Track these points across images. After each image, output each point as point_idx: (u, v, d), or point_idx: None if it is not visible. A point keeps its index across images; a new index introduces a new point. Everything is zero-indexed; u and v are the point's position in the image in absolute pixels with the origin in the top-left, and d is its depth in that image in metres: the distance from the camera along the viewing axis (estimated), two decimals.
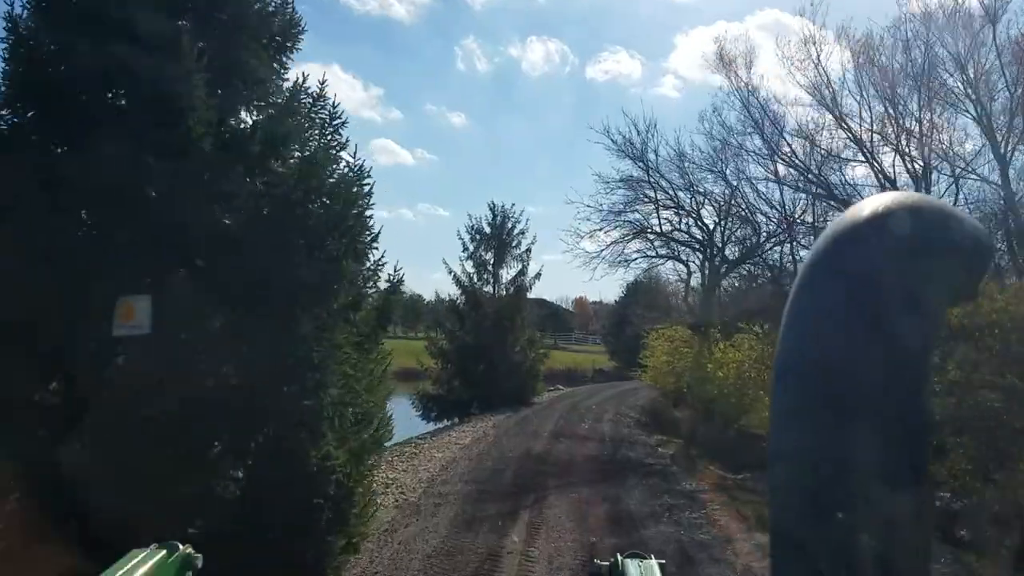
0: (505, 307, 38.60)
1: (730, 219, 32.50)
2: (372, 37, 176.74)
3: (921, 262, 0.97)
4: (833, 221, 1.01)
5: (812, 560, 0.93)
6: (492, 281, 38.76)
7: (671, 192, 32.76)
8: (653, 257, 35.60)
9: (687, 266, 35.67)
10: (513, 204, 38.58)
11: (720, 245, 33.26)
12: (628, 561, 3.42)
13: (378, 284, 11.03)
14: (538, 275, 38.90)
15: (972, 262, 1.04)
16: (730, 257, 33.02)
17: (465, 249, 38.35)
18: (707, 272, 33.67)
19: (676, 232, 33.94)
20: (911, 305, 0.95)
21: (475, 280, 38.45)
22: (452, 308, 38.22)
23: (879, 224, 0.96)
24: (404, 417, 39.36)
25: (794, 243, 29.60)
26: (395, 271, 11.52)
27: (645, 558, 3.48)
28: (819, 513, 0.93)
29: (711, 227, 33.31)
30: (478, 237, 38.59)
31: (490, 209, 38.82)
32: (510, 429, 28.52)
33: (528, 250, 38.92)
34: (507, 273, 38.98)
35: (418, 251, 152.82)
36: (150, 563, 3.08)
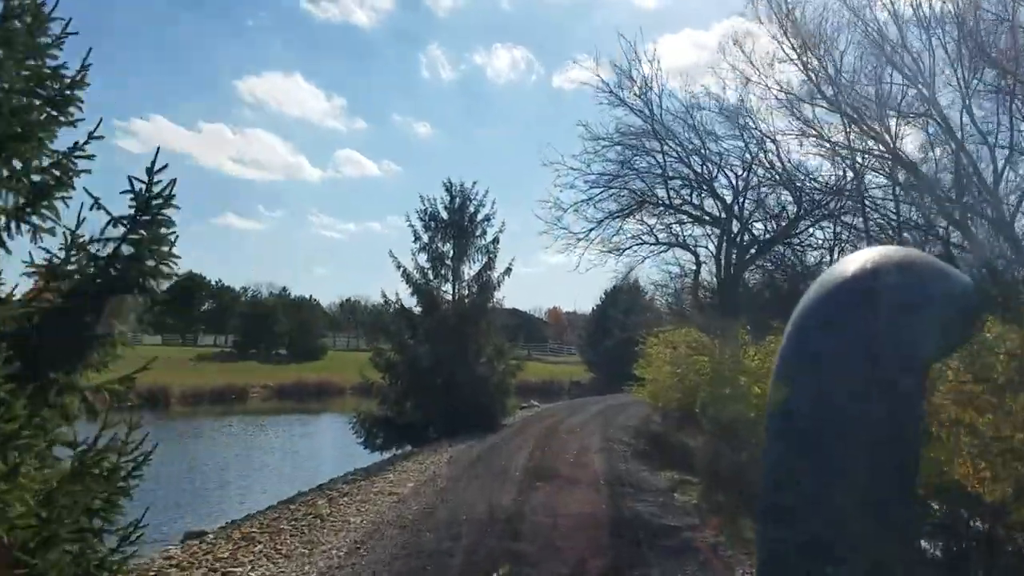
0: (467, 309, 31.17)
1: (751, 192, 25.26)
2: (333, 45, 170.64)
3: (910, 317, 1.02)
4: (822, 275, 1.07)
5: None
6: (452, 278, 31.30)
7: (681, 153, 25.42)
8: (652, 244, 28.23)
9: (695, 254, 28.33)
10: (475, 183, 30.91)
11: (743, 222, 25.99)
12: None
13: None
14: (508, 270, 31.42)
15: (960, 315, 1.09)
16: (756, 238, 25.65)
17: (417, 239, 30.90)
18: (725, 258, 26.21)
19: (686, 206, 26.57)
20: (901, 359, 0.99)
21: (430, 277, 31.00)
22: (401, 312, 30.66)
23: (866, 280, 1.01)
24: (344, 445, 31.92)
25: (838, 220, 22.39)
26: None
27: None
28: (812, 564, 0.95)
29: (728, 201, 26.05)
30: (433, 224, 31.13)
31: (446, 190, 31.40)
32: (470, 466, 21.09)
33: (495, 240, 31.52)
34: (470, 268, 31.56)
35: (388, 265, 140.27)
36: None
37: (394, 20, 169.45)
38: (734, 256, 25.53)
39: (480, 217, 31.44)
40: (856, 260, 1.08)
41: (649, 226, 27.88)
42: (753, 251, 24.91)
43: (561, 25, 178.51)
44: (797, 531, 0.99)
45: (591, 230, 26.72)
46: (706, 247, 27.96)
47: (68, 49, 5.30)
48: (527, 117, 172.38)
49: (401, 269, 30.32)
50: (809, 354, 1.07)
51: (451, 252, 31.27)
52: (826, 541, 0.96)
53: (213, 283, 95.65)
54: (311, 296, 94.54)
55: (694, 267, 28.32)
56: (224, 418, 55.99)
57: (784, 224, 23.93)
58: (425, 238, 30.95)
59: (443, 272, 31.03)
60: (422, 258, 30.78)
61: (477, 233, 31.41)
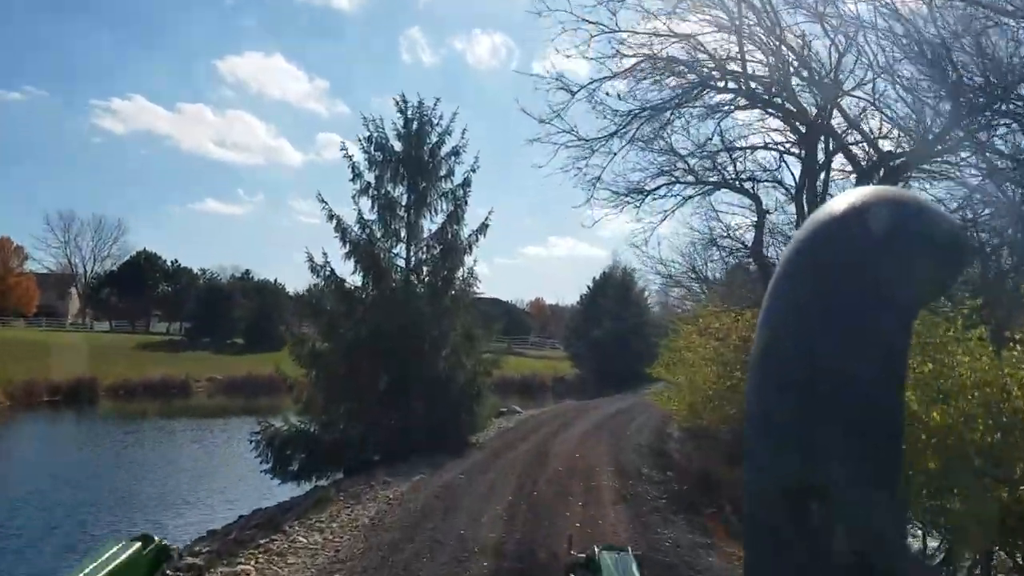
0: (427, 280, 21.72)
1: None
2: (314, 26, 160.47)
3: (897, 256, 0.94)
4: (811, 215, 1.00)
5: (788, 552, 0.91)
6: (406, 236, 21.69)
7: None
8: (692, 183, 18.61)
9: (756, 200, 18.60)
10: (438, 101, 21.18)
11: (835, 138, 16.36)
12: (605, 553, 3.39)
13: None
14: (483, 227, 21.86)
15: (947, 258, 1.00)
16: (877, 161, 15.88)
17: (356, 177, 21.25)
18: (809, 198, 16.38)
19: (773, 97, 16.74)
20: (888, 297, 0.92)
21: (376, 234, 21.41)
22: (333, 283, 21.02)
23: (857, 218, 0.95)
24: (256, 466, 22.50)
25: None
26: None
27: (623, 551, 3.42)
28: (795, 505, 0.90)
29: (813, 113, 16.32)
30: (380, 157, 21.52)
31: (399, 110, 21.75)
32: (403, 538, 11.70)
33: (466, 183, 21.93)
34: (431, 223, 21.96)
35: None
36: (125, 554, 2.99)
37: (374, 3, 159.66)
38: (828, 193, 16.05)
39: (445, 150, 21.91)
40: (845, 199, 0.93)
41: (685, 164, 18.38)
42: (877, 175, 15.29)
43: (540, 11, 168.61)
44: (780, 470, 0.87)
45: (613, 134, 17.13)
46: (775, 188, 18.44)
47: None
48: (507, 104, 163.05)
49: (334, 220, 20.74)
50: (795, 295, 0.93)
51: (405, 199, 21.72)
52: (810, 479, 0.84)
53: (169, 264, 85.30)
54: (275, 280, 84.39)
55: (753, 219, 18.78)
56: (147, 418, 46.46)
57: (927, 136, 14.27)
58: (369, 177, 21.45)
59: (394, 227, 21.52)
60: (364, 206, 21.24)
61: (441, 172, 21.91)
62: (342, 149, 21.04)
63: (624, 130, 17.08)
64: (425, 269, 21.69)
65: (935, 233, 0.98)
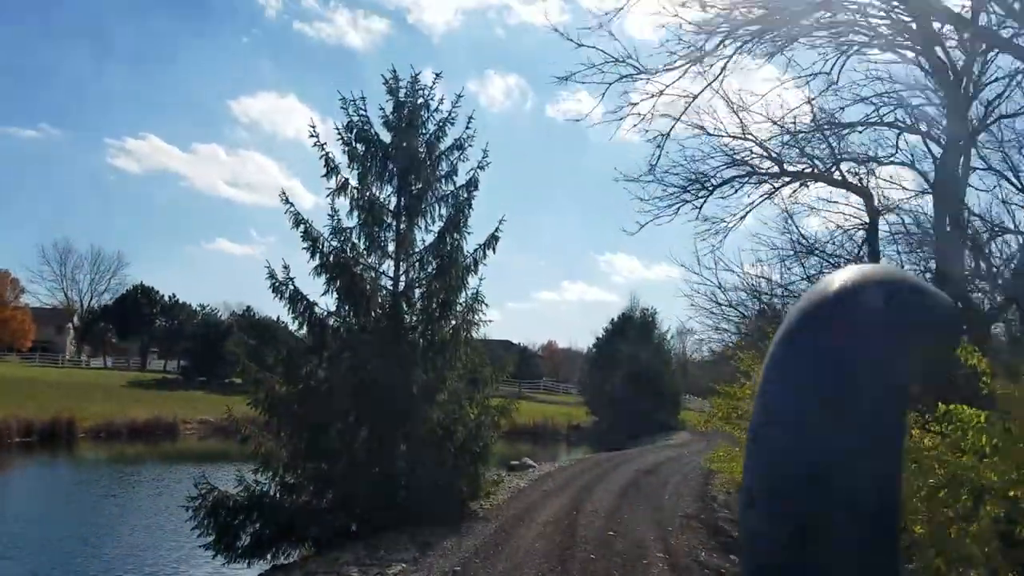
0: (421, 307, 16.97)
1: None
2: (327, 67, 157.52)
3: (893, 340, 0.94)
4: (803, 296, 0.99)
5: None
6: (395, 250, 16.98)
7: None
8: (773, 176, 13.75)
9: (865, 195, 13.48)
10: (439, 76, 16.66)
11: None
12: None
13: None
14: (494, 238, 17.06)
15: (944, 338, 1.01)
16: None
17: (331, 172, 16.56)
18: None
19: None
20: (884, 382, 0.92)
21: (358, 246, 16.73)
22: (298, 306, 16.22)
23: (849, 300, 0.94)
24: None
25: None
26: None
27: None
28: None
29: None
30: (361, 151, 16.84)
31: (389, 89, 17.10)
32: None
33: (472, 182, 17.24)
34: (427, 232, 17.24)
35: None
36: None
37: (388, 42, 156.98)
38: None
39: (447, 143, 17.22)
40: (839, 278, 0.93)
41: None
42: None
43: (553, 52, 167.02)
44: (775, 551, 0.89)
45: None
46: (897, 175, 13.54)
47: None
48: (521, 146, 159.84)
49: (302, 227, 16.06)
50: (790, 374, 0.92)
51: (394, 202, 17.03)
52: (804, 560, 0.87)
53: (166, 298, 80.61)
54: (278, 318, 78.94)
55: (862, 219, 13.79)
56: (118, 464, 41.54)
57: None
58: (350, 176, 16.74)
59: (379, 237, 16.79)
60: (342, 207, 16.53)
61: (441, 171, 17.17)
62: (312, 135, 16.34)
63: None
64: (418, 291, 16.89)
65: (929, 315, 0.97)
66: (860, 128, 13.08)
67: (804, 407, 0.93)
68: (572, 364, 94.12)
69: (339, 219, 16.60)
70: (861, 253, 13.55)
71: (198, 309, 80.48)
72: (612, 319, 66.52)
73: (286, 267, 15.85)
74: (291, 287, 15.84)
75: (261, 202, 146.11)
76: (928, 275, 13.76)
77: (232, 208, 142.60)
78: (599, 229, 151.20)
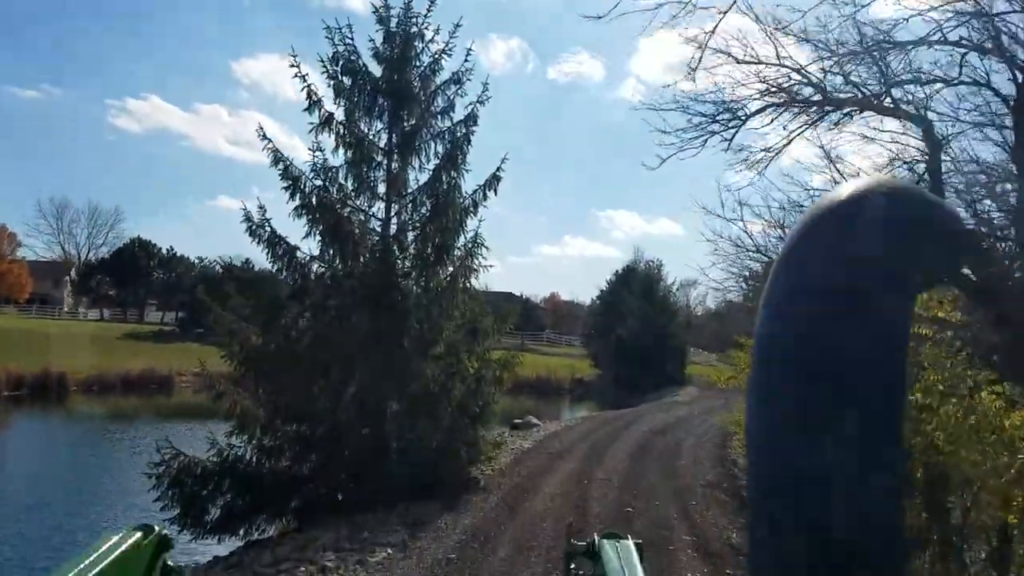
0: (415, 251, 15.07)
1: None
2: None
3: (896, 243, 0.96)
4: (813, 203, 1.02)
5: (788, 538, 0.93)
6: (386, 190, 15.03)
7: None
8: (815, 104, 11.71)
9: (924, 124, 11.52)
10: (432, 4, 14.42)
11: None
12: (605, 541, 3.34)
13: None
14: (496, 178, 15.13)
15: (946, 245, 1.04)
16: None
17: (313, 106, 14.49)
18: None
19: None
20: (886, 284, 0.95)
21: (347, 188, 14.78)
22: (276, 248, 14.29)
23: (857, 206, 0.97)
24: None
25: None
26: None
27: (622, 538, 3.35)
28: (796, 484, 0.92)
29: None
30: (348, 84, 14.79)
31: (378, 18, 15.04)
32: None
33: (471, 117, 15.23)
34: (419, 171, 15.30)
35: None
36: (125, 545, 2.81)
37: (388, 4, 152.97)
38: None
39: (443, 77, 15.21)
40: (846, 187, 0.96)
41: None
42: None
43: (556, 15, 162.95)
44: (782, 454, 0.89)
45: None
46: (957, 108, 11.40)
47: None
48: (522, 108, 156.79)
49: (281, 164, 14.11)
50: (796, 280, 0.95)
51: (384, 139, 15.04)
52: (811, 463, 0.87)
53: (164, 251, 78.60)
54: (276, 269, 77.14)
55: (921, 151, 11.74)
56: (104, 418, 39.90)
57: None
58: (335, 110, 14.73)
59: (369, 177, 14.84)
60: (327, 144, 14.56)
61: (437, 106, 15.15)
62: (292, 64, 14.26)
63: None
64: (411, 235, 14.95)
65: (935, 221, 1.01)
66: (919, 46, 11.03)
67: (812, 306, 0.93)
68: (575, 317, 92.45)
69: (324, 157, 14.62)
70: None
71: (196, 262, 78.63)
72: (616, 271, 64.67)
73: (262, 207, 13.95)
74: (268, 228, 13.92)
75: (263, 160, 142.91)
76: (998, 214, 11.80)
77: (234, 166, 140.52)
78: (599, 186, 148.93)
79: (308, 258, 14.34)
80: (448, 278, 14.78)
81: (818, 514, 0.91)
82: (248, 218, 13.98)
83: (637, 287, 59.56)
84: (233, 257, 78.15)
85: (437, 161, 14.79)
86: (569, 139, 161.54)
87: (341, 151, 14.56)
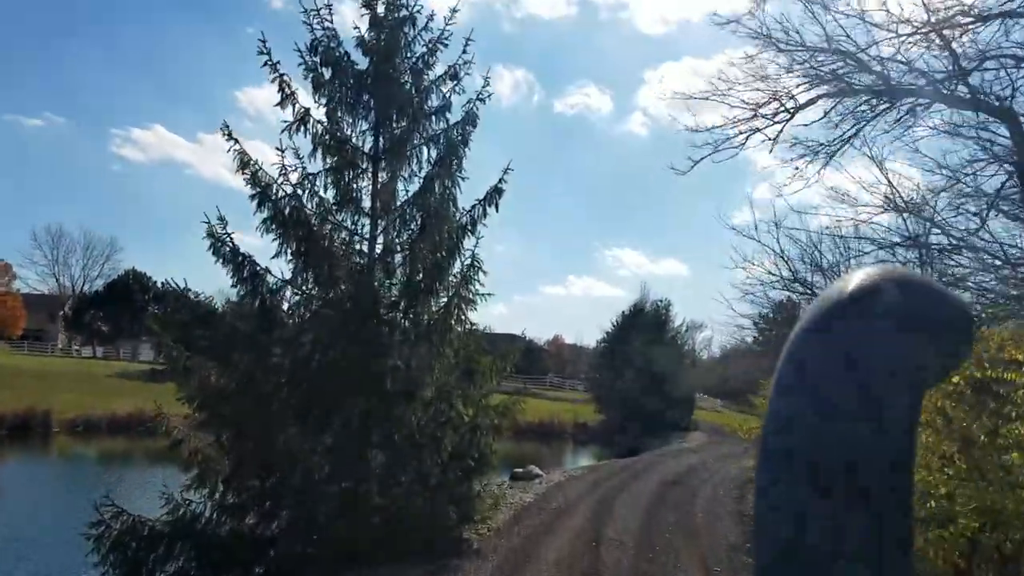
0: (404, 278, 13.08)
1: None
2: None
3: (908, 339, 0.96)
4: (821, 294, 1.01)
5: None
6: (370, 207, 13.11)
7: None
8: (875, 94, 9.81)
9: (1011, 119, 9.61)
10: None
11: None
12: None
13: None
14: (497, 190, 13.23)
15: (957, 338, 1.02)
16: None
17: (287, 98, 12.60)
18: None
19: None
20: (897, 381, 0.94)
21: (327, 201, 12.89)
22: (242, 273, 12.30)
23: (865, 299, 0.95)
24: None
25: None
26: None
27: None
28: (803, 572, 0.92)
29: None
30: (327, 76, 12.88)
31: (364, 2, 13.22)
32: None
33: (469, 118, 13.34)
34: (409, 181, 13.41)
35: None
36: None
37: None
38: None
39: (438, 71, 13.35)
40: (856, 278, 0.96)
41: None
42: None
43: (562, 48, 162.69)
44: (790, 542, 0.90)
45: None
46: None
47: None
48: (527, 141, 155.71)
49: (248, 171, 12.22)
50: (803, 376, 0.94)
51: (370, 144, 13.14)
52: (820, 552, 0.88)
53: (160, 284, 76.46)
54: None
55: (1006, 148, 9.76)
56: (78, 459, 37.80)
57: None
58: (313, 107, 12.82)
59: (352, 188, 12.92)
60: (303, 147, 12.68)
61: (430, 104, 13.25)
62: (261, 51, 12.37)
63: None
64: (399, 257, 12.98)
65: (943, 314, 0.99)
66: (1004, 19, 9.15)
67: (821, 401, 0.92)
68: (579, 360, 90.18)
69: (302, 164, 12.75)
70: (1001, 195, 9.63)
71: (192, 295, 76.59)
72: (623, 312, 62.27)
73: (222, 218, 11.97)
74: (230, 244, 11.96)
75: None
76: None
77: (238, 197, 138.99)
78: (604, 223, 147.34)
79: (279, 283, 12.37)
80: (441, 310, 12.78)
81: None
82: (211, 233, 12.04)
83: (644, 329, 57.42)
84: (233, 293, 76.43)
85: (430, 167, 12.85)
86: (573, 174, 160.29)
87: (319, 155, 12.66)
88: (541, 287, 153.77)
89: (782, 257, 13.10)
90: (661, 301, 60.54)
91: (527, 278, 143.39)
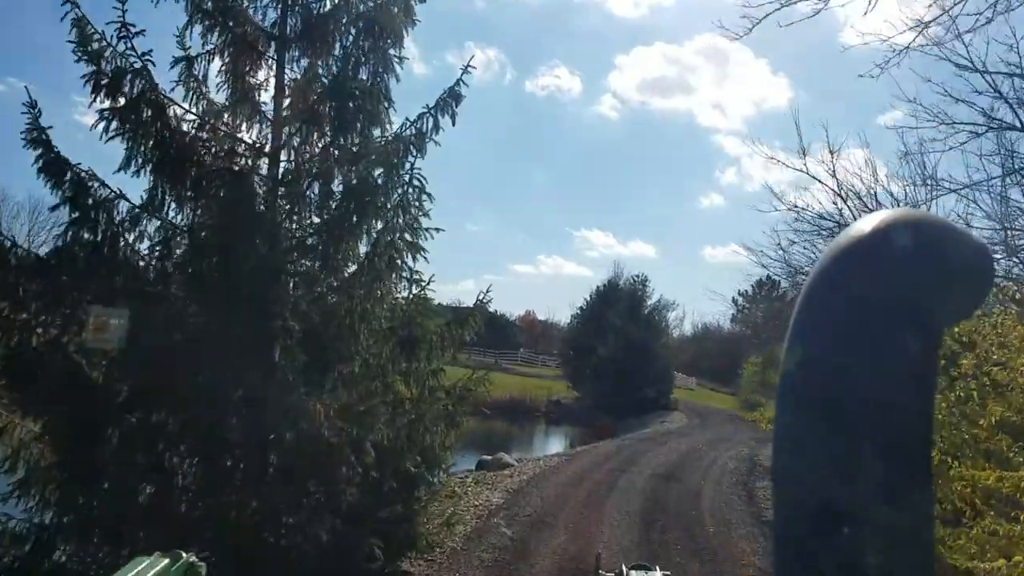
0: (315, 198, 8.96)
1: None
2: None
3: (920, 281, 0.93)
4: (835, 238, 0.99)
5: (818, 571, 0.92)
6: (274, 105, 8.99)
7: None
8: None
9: None
10: None
11: None
12: (634, 572, 3.47)
13: None
14: (455, 96, 9.14)
15: (973, 280, 1.00)
16: None
17: None
18: None
19: None
20: (913, 321, 0.92)
21: (198, 84, 8.77)
22: (62, 170, 8.08)
23: (880, 241, 0.93)
24: None
25: None
26: None
27: (650, 570, 3.45)
28: (825, 526, 0.90)
29: None
30: None
31: None
32: None
33: None
34: (344, 47, 9.27)
35: None
36: (154, 571, 2.94)
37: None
38: None
39: None
40: (870, 220, 0.93)
41: None
42: None
43: (535, 29, 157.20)
44: (811, 491, 0.89)
45: None
46: None
47: None
48: (499, 121, 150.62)
49: (76, 31, 8.01)
50: (820, 319, 0.93)
51: (273, 19, 9.08)
52: (840, 501, 0.87)
53: None
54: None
55: None
56: None
57: None
58: None
59: (243, 81, 8.81)
60: (176, 16, 8.53)
61: None
62: None
63: None
64: (312, 181, 8.87)
65: (960, 255, 0.95)
66: None
67: (838, 345, 0.92)
68: (551, 336, 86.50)
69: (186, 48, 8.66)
70: None
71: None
72: (597, 287, 58.54)
73: (33, 104, 7.83)
74: (49, 148, 7.81)
75: None
76: None
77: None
78: (574, 204, 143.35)
79: (133, 211, 8.26)
80: (370, 252, 8.73)
81: (847, 554, 0.88)
82: (30, 133, 7.89)
83: (620, 304, 53.69)
84: None
85: (351, 45, 8.74)
86: (545, 155, 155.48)
87: (198, 28, 8.57)
88: (511, 265, 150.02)
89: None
90: (637, 276, 56.78)
91: (497, 257, 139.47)
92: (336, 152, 8.50)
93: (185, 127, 8.42)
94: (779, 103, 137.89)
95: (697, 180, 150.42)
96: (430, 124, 9.18)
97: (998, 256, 11.01)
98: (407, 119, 9.15)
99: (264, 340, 7.62)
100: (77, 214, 7.95)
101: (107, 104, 7.91)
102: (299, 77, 9.21)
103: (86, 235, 8.07)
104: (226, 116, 9.02)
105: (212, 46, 8.86)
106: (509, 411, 49.71)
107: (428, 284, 9.45)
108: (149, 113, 7.93)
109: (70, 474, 8.10)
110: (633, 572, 3.98)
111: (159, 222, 8.28)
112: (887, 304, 0.92)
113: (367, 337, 8.52)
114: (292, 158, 9.00)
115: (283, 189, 8.66)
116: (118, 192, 8.21)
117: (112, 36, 7.87)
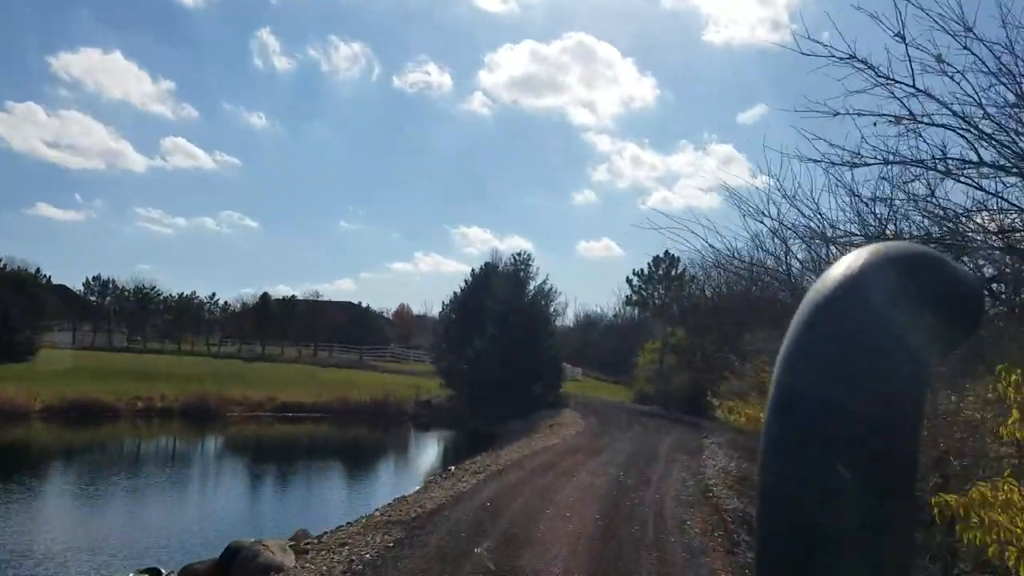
0: None
1: None
2: (156, 23, 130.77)
3: (912, 312, 0.93)
4: (827, 269, 0.99)
5: None
6: None
7: None
8: None
9: None
10: None
11: None
12: None
13: None
14: None
15: (962, 311, 1.01)
16: None
17: None
18: None
19: None
20: (903, 353, 0.92)
21: None
22: None
23: (869, 275, 0.93)
24: None
25: None
26: None
27: None
28: (807, 546, 0.90)
29: None
30: None
31: None
32: None
33: None
34: None
35: (223, 263, 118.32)
36: None
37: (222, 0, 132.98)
38: None
39: None
40: (860, 254, 0.95)
41: None
42: None
43: (401, 22, 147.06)
44: (794, 513, 0.90)
45: None
46: None
47: None
48: (368, 115, 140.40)
49: None
50: (813, 348, 0.93)
51: None
52: (823, 523, 0.87)
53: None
54: (39, 271, 61.46)
55: None
56: None
57: None
58: None
59: None
60: None
61: None
62: None
63: None
64: None
65: (952, 289, 0.97)
66: None
67: (829, 376, 0.91)
68: (425, 330, 77.53)
69: None
70: None
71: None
72: (472, 270, 49.61)
73: None
74: None
75: (88, 165, 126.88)
76: None
77: (55, 171, 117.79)
78: (450, 201, 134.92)
79: None
80: None
81: (831, 570, 0.88)
82: None
83: (500, 289, 45.01)
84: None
85: None
86: (419, 152, 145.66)
87: None
88: (388, 264, 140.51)
89: None
90: (520, 254, 48.11)
91: (373, 256, 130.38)
92: None
93: None
94: (647, 101, 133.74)
95: (571, 176, 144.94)
96: None
97: None
98: None
99: None
100: None
101: None
102: None
103: None
104: None
105: None
106: (371, 416, 40.61)
107: None
108: None
109: None
110: None
111: None
112: (876, 338, 0.89)
113: None
114: None
115: None
116: None
117: None
